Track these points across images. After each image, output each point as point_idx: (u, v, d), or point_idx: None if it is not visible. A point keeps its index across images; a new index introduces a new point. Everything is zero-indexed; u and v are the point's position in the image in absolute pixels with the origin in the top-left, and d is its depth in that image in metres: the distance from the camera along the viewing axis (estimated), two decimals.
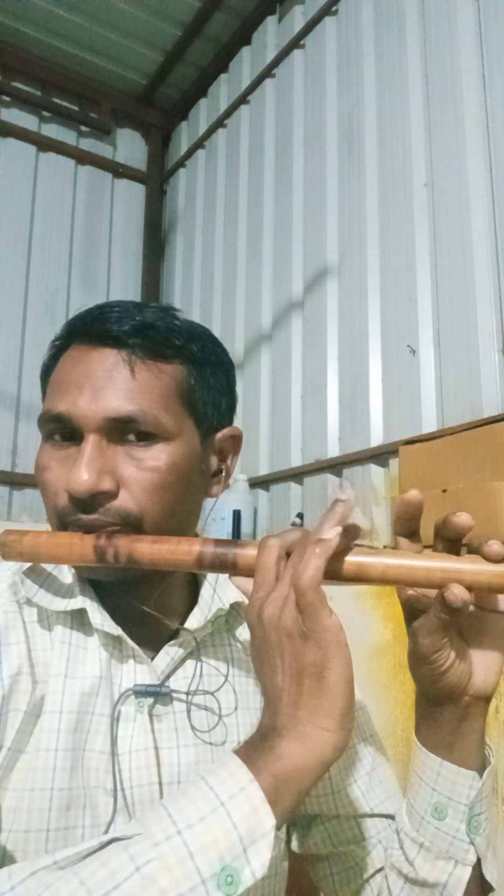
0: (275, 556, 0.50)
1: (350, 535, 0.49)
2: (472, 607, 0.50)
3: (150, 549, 0.53)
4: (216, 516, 2.36)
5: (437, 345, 1.91)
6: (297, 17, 2.70)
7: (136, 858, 0.40)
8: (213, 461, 0.65)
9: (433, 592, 0.50)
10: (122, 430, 0.57)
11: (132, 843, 0.41)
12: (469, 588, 0.48)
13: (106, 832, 0.53)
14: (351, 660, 0.47)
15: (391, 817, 0.66)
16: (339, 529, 0.49)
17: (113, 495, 0.56)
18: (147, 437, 0.57)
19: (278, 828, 0.43)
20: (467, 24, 1.91)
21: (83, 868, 0.40)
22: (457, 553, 0.51)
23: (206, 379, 0.63)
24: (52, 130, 3.35)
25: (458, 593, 0.47)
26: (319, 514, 0.51)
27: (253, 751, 0.46)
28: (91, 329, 0.59)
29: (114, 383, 0.57)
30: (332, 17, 2.50)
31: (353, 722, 0.48)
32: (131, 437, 0.57)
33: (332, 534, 0.48)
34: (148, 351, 0.59)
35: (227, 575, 0.69)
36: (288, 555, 0.50)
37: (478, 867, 0.56)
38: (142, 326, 0.59)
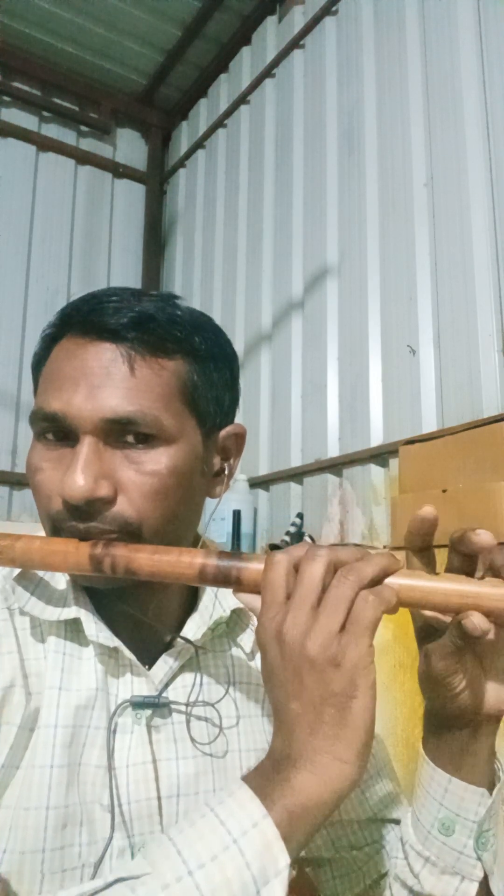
0: (283, 573, 0.46)
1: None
2: (492, 634, 0.47)
3: (149, 561, 0.50)
4: (216, 516, 2.35)
5: (437, 345, 1.91)
6: (297, 17, 2.69)
7: None
8: (216, 461, 0.62)
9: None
10: (120, 431, 0.53)
11: (140, 884, 0.39)
12: (488, 614, 0.45)
13: (104, 850, 0.51)
14: (376, 693, 0.44)
15: (394, 822, 0.66)
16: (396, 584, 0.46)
17: (110, 501, 0.52)
18: (147, 439, 0.53)
19: (290, 865, 0.41)
20: (467, 24, 1.91)
21: None
22: (473, 566, 0.48)
23: (209, 374, 0.59)
24: (52, 130, 3.35)
25: (477, 623, 0.44)
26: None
27: (266, 782, 0.43)
28: (87, 320, 0.55)
29: (112, 381, 0.53)
30: (332, 17, 2.50)
31: (370, 755, 0.45)
32: (130, 438, 0.53)
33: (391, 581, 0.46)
34: (148, 346, 0.55)
35: None
36: (296, 570, 0.47)
37: (484, 882, 0.55)
38: (141, 319, 0.55)
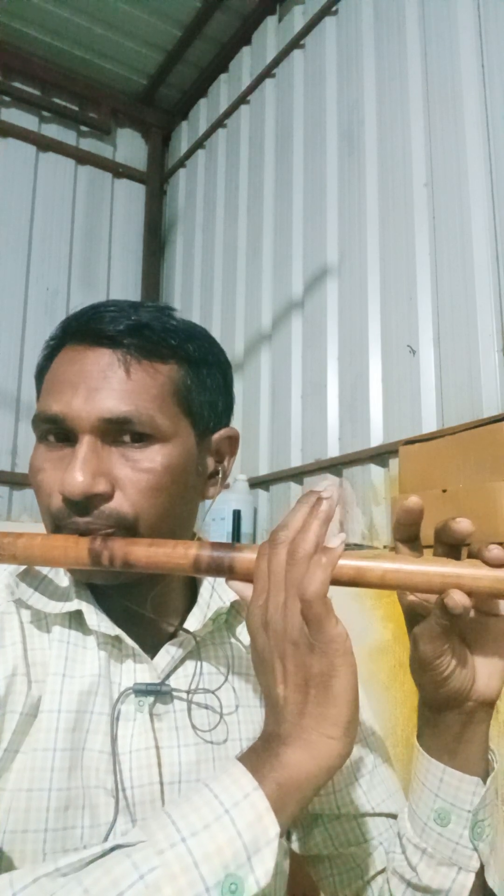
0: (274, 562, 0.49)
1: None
2: (472, 612, 0.50)
3: (145, 553, 0.53)
4: (216, 516, 2.36)
5: (437, 345, 1.91)
6: (297, 17, 2.69)
7: (140, 866, 0.40)
8: (210, 462, 0.65)
9: (434, 597, 0.50)
10: (117, 430, 0.56)
11: (135, 851, 0.41)
12: (469, 593, 0.47)
13: (108, 833, 0.53)
14: (356, 668, 0.47)
15: (393, 816, 0.66)
16: (343, 537, 0.48)
17: (107, 497, 0.55)
18: (142, 437, 0.56)
19: (281, 835, 0.43)
20: (467, 24, 1.91)
21: (86, 875, 0.40)
22: (457, 557, 0.50)
23: (202, 379, 0.62)
24: (52, 130, 3.35)
25: (457, 599, 0.46)
26: (297, 511, 0.49)
27: (257, 758, 0.45)
28: (86, 329, 0.59)
29: (109, 384, 0.56)
30: (332, 17, 2.50)
31: (357, 729, 0.48)
32: (126, 437, 0.56)
33: (336, 542, 0.48)
34: (143, 351, 0.58)
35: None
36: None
37: (480, 873, 0.56)
38: (137, 326, 0.58)
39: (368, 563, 0.49)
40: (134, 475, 0.56)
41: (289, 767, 0.44)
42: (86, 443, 0.55)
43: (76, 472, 0.53)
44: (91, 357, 0.57)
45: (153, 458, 0.56)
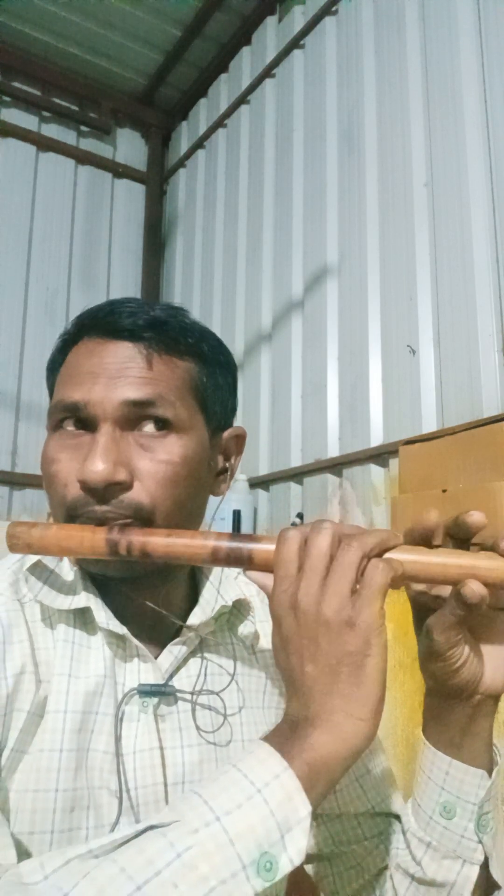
0: (295, 548, 0.49)
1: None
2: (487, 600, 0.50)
3: (164, 543, 0.53)
4: (216, 516, 2.36)
5: (437, 345, 1.91)
6: (297, 17, 2.70)
7: (176, 845, 0.40)
8: (220, 460, 0.66)
9: (444, 590, 0.50)
10: (138, 416, 0.56)
11: (170, 830, 0.41)
12: (484, 584, 0.48)
13: (111, 833, 0.53)
14: (388, 649, 0.48)
15: (392, 815, 0.66)
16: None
17: (127, 487, 0.55)
18: (162, 425, 0.57)
19: (312, 816, 0.43)
20: (467, 24, 1.91)
21: (121, 855, 0.40)
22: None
23: (215, 377, 0.63)
24: (52, 130, 3.36)
25: (475, 589, 0.47)
26: (337, 514, 0.50)
27: (284, 740, 0.46)
28: (104, 323, 0.59)
29: (130, 372, 0.56)
30: (332, 17, 2.50)
31: (383, 712, 0.48)
32: (147, 425, 0.57)
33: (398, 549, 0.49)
34: (163, 345, 0.59)
35: (230, 573, 0.69)
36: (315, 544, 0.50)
37: (485, 865, 0.56)
38: (155, 322, 0.59)
39: (385, 553, 0.49)
40: (152, 466, 0.56)
41: (317, 748, 0.45)
42: (106, 431, 0.55)
43: (97, 459, 0.53)
44: (111, 349, 0.58)
45: (171, 448, 0.57)
